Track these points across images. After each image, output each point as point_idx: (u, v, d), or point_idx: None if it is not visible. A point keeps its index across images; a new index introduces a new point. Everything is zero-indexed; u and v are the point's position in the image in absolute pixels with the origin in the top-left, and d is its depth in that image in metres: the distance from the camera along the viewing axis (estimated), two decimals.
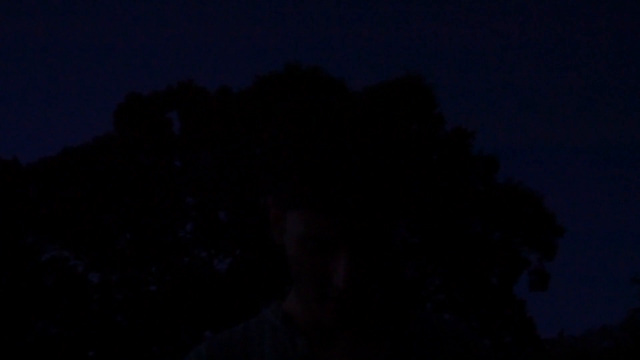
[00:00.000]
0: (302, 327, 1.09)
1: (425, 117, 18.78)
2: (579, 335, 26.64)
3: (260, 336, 1.10)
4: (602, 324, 26.43)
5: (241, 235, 17.95)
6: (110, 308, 18.34)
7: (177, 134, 19.14)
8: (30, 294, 17.66)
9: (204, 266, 18.51)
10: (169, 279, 18.12)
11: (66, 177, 18.04)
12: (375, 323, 1.09)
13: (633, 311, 24.17)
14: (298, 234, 1.01)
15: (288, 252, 1.05)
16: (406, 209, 1.05)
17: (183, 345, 17.11)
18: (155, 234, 18.22)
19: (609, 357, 24.06)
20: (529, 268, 19.11)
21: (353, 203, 0.97)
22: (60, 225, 17.83)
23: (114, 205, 17.90)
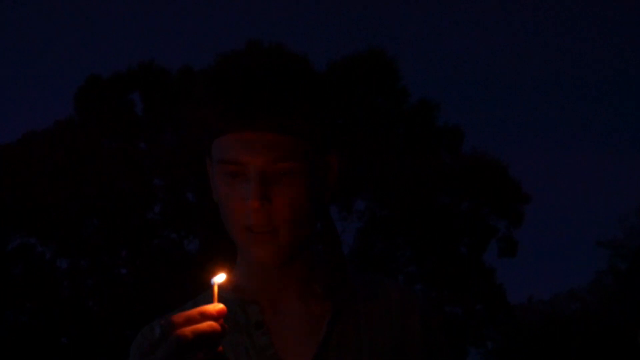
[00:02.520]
0: (252, 295, 1.11)
1: (389, 91, 18.80)
2: (548, 300, 27.09)
3: None
4: (569, 287, 26.90)
5: (210, 215, 17.89)
6: (81, 294, 18.20)
7: (140, 116, 18.93)
8: None
9: (174, 247, 18.43)
10: (140, 261, 18.02)
11: (28, 162, 17.76)
12: (317, 284, 1.11)
13: (599, 274, 24.63)
14: (218, 165, 1.04)
15: (218, 199, 1.08)
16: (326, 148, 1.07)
17: None
18: (123, 217, 18.07)
19: (577, 320, 24.51)
20: (497, 236, 19.34)
21: (258, 123, 1.00)
22: (25, 212, 17.60)
23: (79, 189, 17.69)
